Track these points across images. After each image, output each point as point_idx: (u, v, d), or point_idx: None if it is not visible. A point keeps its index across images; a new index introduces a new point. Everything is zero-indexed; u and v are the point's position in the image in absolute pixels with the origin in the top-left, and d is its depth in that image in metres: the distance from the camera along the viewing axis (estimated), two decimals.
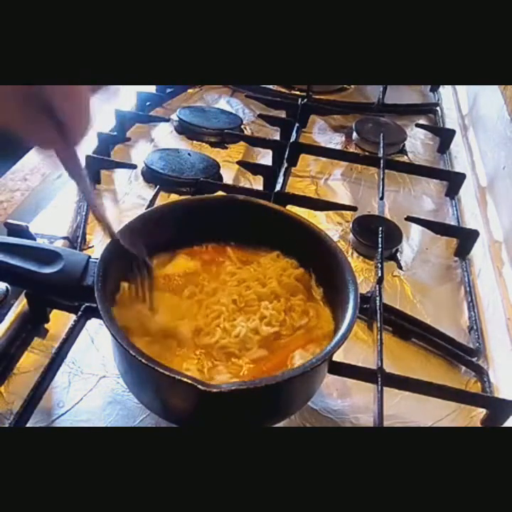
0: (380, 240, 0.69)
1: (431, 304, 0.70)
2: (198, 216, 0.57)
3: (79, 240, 0.71)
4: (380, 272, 0.64)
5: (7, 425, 0.49)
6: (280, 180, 0.80)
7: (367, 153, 0.95)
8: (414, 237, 0.80)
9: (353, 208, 0.78)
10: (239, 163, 0.86)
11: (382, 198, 0.78)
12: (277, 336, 0.51)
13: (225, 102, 1.07)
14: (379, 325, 0.58)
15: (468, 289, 0.72)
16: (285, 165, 0.84)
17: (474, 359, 0.63)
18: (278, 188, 0.77)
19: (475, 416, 0.57)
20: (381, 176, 0.82)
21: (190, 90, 1.09)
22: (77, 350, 0.56)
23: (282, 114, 0.99)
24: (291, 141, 0.89)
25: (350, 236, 0.77)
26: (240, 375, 0.48)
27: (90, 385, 0.56)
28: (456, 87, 1.20)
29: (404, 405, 0.57)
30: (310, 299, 0.55)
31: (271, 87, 1.09)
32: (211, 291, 0.53)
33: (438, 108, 1.12)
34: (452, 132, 1.00)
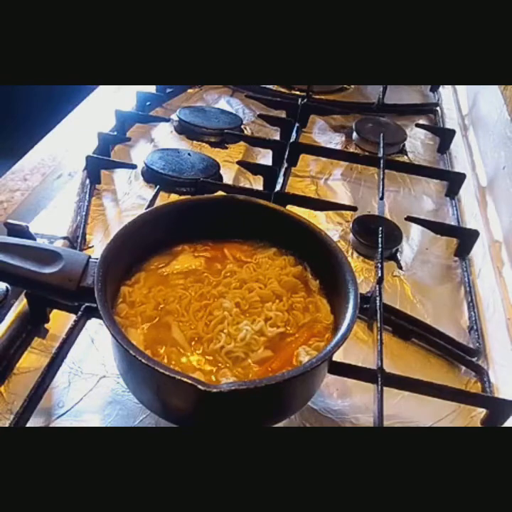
0: (380, 240, 0.69)
1: (431, 304, 0.70)
2: (197, 216, 0.57)
3: (79, 240, 0.70)
4: (380, 271, 0.64)
5: (7, 425, 0.49)
6: (280, 180, 0.80)
7: (367, 153, 0.95)
8: (414, 237, 0.80)
9: (353, 208, 0.78)
10: (239, 163, 0.85)
11: (382, 198, 0.78)
12: (283, 335, 0.51)
13: (225, 102, 1.07)
14: (379, 325, 0.58)
15: (468, 289, 0.72)
16: (285, 165, 0.84)
17: (474, 359, 0.63)
18: (278, 188, 0.77)
19: (475, 416, 0.57)
20: (381, 176, 0.82)
21: (190, 90, 1.09)
22: (77, 350, 0.56)
23: (282, 114, 0.99)
24: (291, 141, 0.89)
25: (350, 236, 0.77)
26: (245, 378, 0.47)
27: (90, 385, 0.55)
28: (456, 87, 1.20)
29: (404, 405, 0.57)
30: (308, 293, 0.55)
31: (271, 87, 1.09)
32: (217, 294, 0.53)
33: (438, 108, 1.12)
34: (452, 132, 1.00)
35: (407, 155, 0.98)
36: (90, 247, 0.71)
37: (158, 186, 0.78)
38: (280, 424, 0.50)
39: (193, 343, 0.49)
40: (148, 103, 1.00)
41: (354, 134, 1.00)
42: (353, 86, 1.16)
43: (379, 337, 0.57)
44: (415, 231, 0.80)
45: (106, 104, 0.97)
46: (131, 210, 0.78)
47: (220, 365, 0.48)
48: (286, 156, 0.85)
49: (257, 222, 0.58)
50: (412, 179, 0.91)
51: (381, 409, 0.50)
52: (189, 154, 0.87)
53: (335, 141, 1.00)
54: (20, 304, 0.59)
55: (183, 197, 0.79)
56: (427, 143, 1.03)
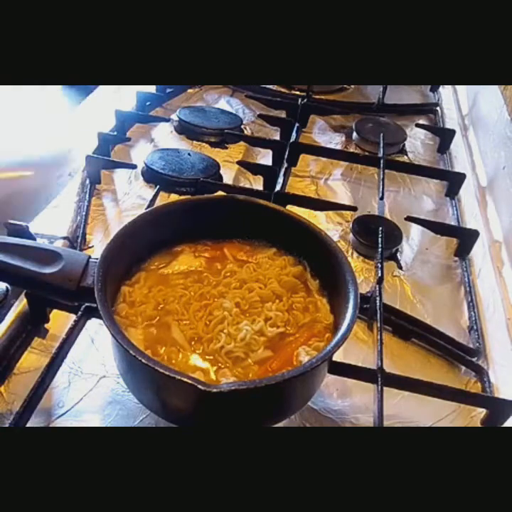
0: (380, 240, 0.69)
1: (431, 304, 0.70)
2: (197, 216, 0.57)
3: (79, 240, 0.71)
4: (380, 271, 0.64)
5: (7, 425, 0.49)
6: (280, 180, 0.80)
7: (367, 153, 0.95)
8: (414, 237, 0.80)
9: (353, 208, 0.78)
10: (239, 163, 0.86)
11: (382, 198, 0.78)
12: (283, 335, 0.51)
13: (225, 102, 1.07)
14: (379, 325, 0.58)
15: (468, 289, 0.72)
16: (285, 165, 0.84)
17: (474, 359, 0.63)
18: (278, 188, 0.77)
19: (475, 416, 0.57)
20: (381, 176, 0.82)
21: (190, 90, 1.09)
22: (77, 350, 0.56)
23: (282, 114, 0.99)
24: (291, 141, 0.89)
25: (350, 236, 0.77)
26: (245, 378, 0.47)
27: (90, 385, 0.55)
28: (456, 87, 1.20)
29: (404, 405, 0.57)
30: (308, 293, 0.55)
31: (271, 87, 1.09)
32: (217, 294, 0.53)
33: (438, 108, 1.12)
34: (452, 132, 1.00)
35: (407, 155, 0.98)
36: (90, 247, 0.71)
37: (158, 186, 0.78)
38: (280, 424, 0.50)
39: (193, 343, 0.49)
40: (148, 103, 1.00)
41: (354, 134, 1.00)
42: (353, 86, 1.16)
43: (379, 337, 0.57)
44: (415, 231, 0.80)
45: (106, 104, 0.97)
46: (131, 210, 0.78)
47: (220, 365, 0.48)
48: (286, 156, 0.85)
49: (257, 222, 0.58)
50: (412, 179, 0.91)
51: (381, 409, 0.50)
52: (189, 154, 0.87)
53: (335, 141, 1.00)
54: (20, 304, 0.59)
55: (183, 197, 0.79)
56: (427, 143, 1.03)
